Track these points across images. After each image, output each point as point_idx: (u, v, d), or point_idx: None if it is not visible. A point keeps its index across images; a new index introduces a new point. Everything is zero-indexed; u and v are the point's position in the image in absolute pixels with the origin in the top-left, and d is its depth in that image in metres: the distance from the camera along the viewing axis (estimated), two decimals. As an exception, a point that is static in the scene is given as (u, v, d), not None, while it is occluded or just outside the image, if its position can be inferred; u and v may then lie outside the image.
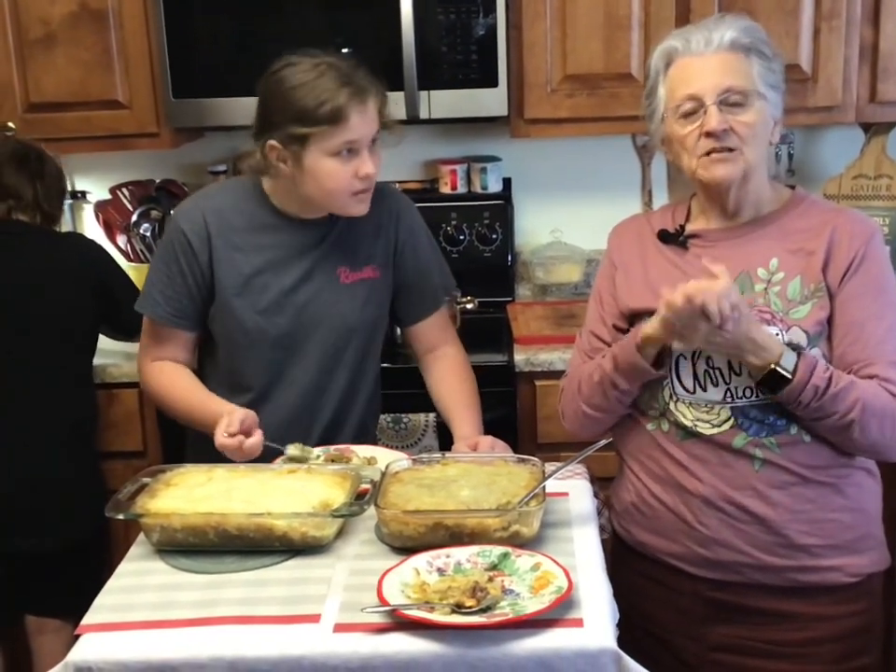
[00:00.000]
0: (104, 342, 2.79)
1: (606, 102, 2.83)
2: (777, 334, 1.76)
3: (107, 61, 2.82)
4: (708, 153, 1.79)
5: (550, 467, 1.86)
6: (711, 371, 1.80)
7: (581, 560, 1.67)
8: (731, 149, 1.78)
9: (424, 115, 2.79)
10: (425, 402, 2.67)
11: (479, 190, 3.16)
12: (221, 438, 1.95)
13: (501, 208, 3.15)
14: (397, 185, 3.20)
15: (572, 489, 1.92)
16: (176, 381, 2.15)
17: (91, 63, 2.82)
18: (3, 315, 2.52)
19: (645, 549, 1.92)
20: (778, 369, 1.70)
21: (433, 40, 2.75)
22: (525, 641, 1.46)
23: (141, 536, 1.80)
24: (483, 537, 1.68)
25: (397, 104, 2.76)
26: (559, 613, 1.49)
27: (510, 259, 3.18)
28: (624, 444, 1.94)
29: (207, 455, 1.99)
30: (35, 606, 2.63)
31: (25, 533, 2.52)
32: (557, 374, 2.69)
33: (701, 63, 1.79)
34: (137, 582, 1.67)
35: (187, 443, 2.29)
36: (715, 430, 1.80)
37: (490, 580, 1.56)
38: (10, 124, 2.83)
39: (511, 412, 2.73)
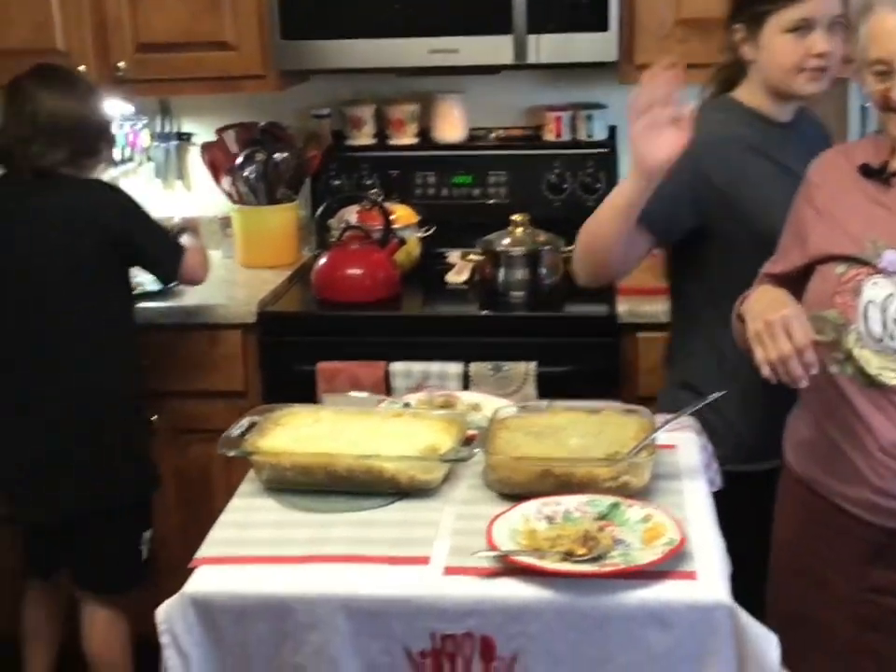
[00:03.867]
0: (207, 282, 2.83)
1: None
2: None
3: (216, 1, 2.82)
4: None
5: (659, 418, 1.84)
6: None
7: (692, 513, 1.64)
8: None
9: (532, 59, 2.74)
10: (526, 351, 2.67)
11: (584, 139, 3.11)
12: None
13: (606, 157, 3.10)
14: (500, 131, 3.19)
15: (680, 442, 1.89)
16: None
17: (200, 4, 2.82)
18: (24, 275, 2.40)
19: (816, 485, 1.87)
20: None
21: (545, -19, 2.70)
22: (637, 592, 1.45)
23: (250, 473, 1.82)
24: (592, 486, 1.67)
25: (504, 47, 2.75)
26: (671, 566, 1.48)
27: (613, 208, 3.13)
28: None
29: None
30: (73, 575, 2.63)
31: (52, 502, 2.47)
32: (661, 327, 2.66)
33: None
34: (249, 518, 1.69)
35: None
36: None
37: (600, 529, 1.55)
38: (121, 64, 2.86)
39: (612, 363, 2.70)
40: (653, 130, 1.86)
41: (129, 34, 2.87)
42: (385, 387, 2.66)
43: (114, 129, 2.76)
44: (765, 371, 1.69)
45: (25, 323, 2.42)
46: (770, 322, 1.68)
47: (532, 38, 2.72)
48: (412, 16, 2.78)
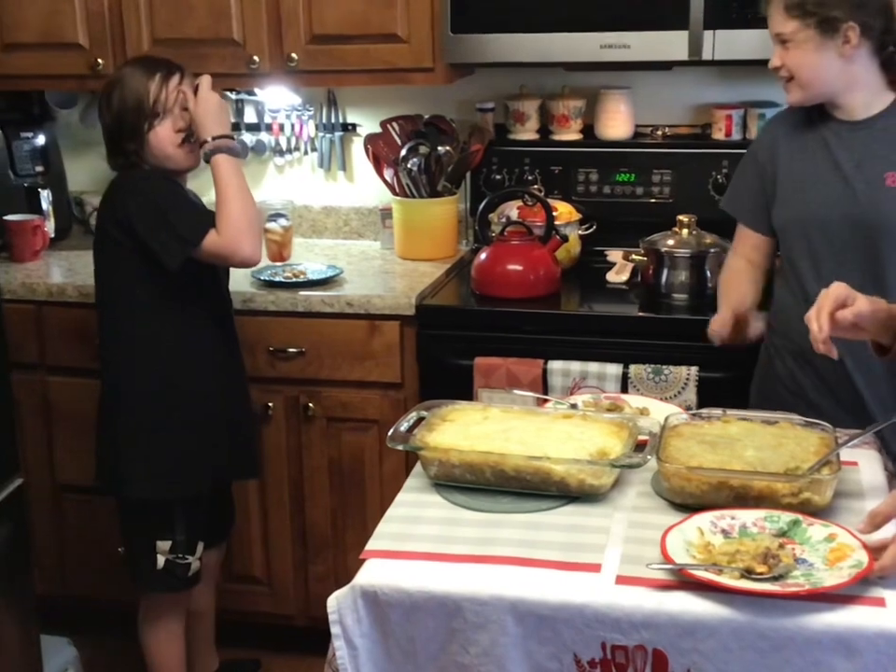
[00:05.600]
0: (355, 273, 2.85)
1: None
2: None
3: (391, -6, 2.83)
4: None
5: (840, 433, 1.76)
6: None
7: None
8: None
9: (707, 56, 2.66)
10: (687, 355, 2.60)
11: (754, 138, 3.01)
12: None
13: (777, 158, 2.99)
14: (666, 129, 3.12)
15: (862, 459, 1.81)
16: (728, 279, 2.45)
17: (376, -3, 2.84)
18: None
19: None
20: None
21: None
22: (822, 615, 1.39)
23: (416, 468, 1.83)
24: (771, 501, 1.61)
25: (678, 43, 2.68)
26: (858, 590, 1.41)
27: (781, 211, 3.03)
28: None
29: None
30: None
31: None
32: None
33: None
34: (416, 514, 1.69)
35: None
36: None
37: (781, 546, 1.50)
38: (293, 55, 2.90)
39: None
40: None
41: (303, 25, 2.89)
42: (543, 385, 2.63)
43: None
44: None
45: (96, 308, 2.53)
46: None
47: (708, 34, 2.64)
48: (583, 11, 2.73)
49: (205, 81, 2.37)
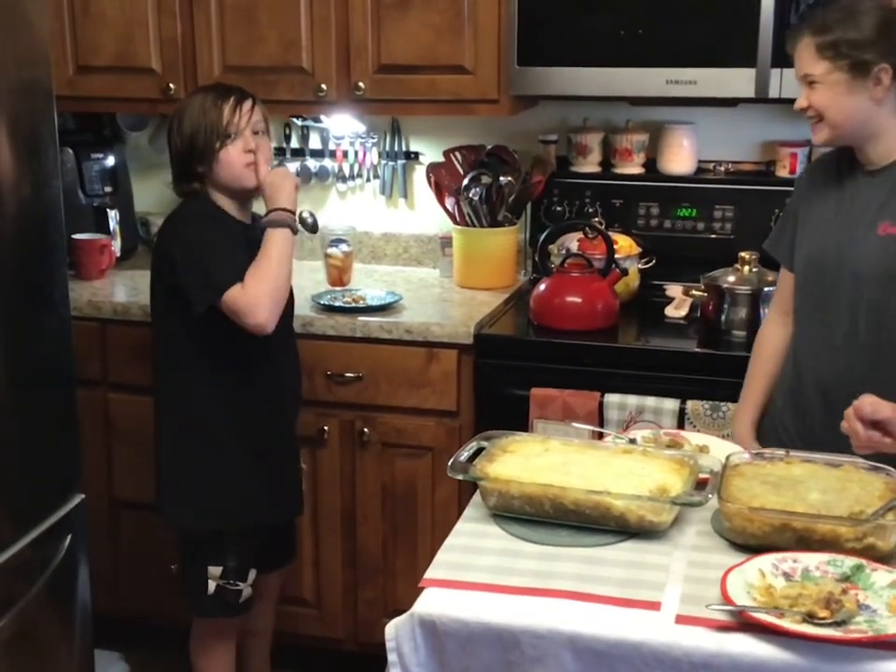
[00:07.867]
0: (413, 300, 2.89)
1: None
2: None
3: (458, 26, 2.85)
4: None
5: (903, 478, 1.74)
6: None
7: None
8: None
9: (774, 94, 2.66)
10: (746, 392, 2.59)
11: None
12: None
13: (841, 196, 2.97)
14: (729, 165, 3.11)
15: (927, 505, 1.79)
16: (757, 353, 2.41)
17: (442, 28, 2.86)
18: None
19: None
20: None
21: (793, 15, 2.61)
22: (885, 664, 1.38)
23: (476, 497, 1.83)
24: (834, 545, 1.60)
25: (745, 81, 2.68)
26: (923, 639, 1.40)
27: (845, 250, 3.00)
28: None
29: None
30: None
31: None
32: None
33: None
34: (475, 544, 1.70)
35: None
36: None
37: (844, 592, 1.48)
38: (361, 84, 2.94)
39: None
40: None
41: (371, 55, 2.93)
42: (599, 418, 2.62)
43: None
44: None
45: None
46: None
47: (776, 72, 2.64)
48: (650, 46, 2.74)
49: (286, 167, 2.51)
